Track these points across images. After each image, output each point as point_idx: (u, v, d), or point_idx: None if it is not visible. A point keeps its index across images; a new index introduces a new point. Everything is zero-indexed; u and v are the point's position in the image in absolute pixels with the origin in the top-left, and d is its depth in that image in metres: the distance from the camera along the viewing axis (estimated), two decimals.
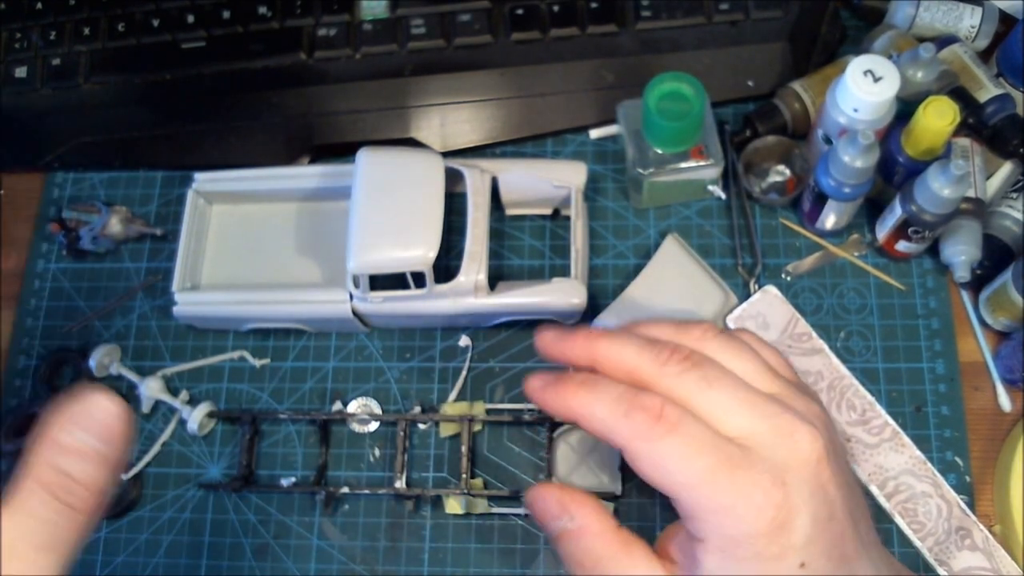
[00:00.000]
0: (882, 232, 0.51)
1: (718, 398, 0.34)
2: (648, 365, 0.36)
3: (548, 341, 0.38)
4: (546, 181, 0.53)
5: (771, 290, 0.52)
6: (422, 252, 0.47)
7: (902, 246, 0.51)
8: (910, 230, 0.49)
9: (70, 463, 0.30)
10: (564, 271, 0.53)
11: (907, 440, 0.49)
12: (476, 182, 0.51)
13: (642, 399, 0.35)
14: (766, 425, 0.34)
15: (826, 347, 0.51)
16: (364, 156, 0.50)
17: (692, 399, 0.34)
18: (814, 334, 0.51)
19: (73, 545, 0.30)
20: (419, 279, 0.48)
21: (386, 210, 0.48)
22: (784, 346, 0.51)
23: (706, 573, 0.34)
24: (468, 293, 0.49)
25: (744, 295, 0.53)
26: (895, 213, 0.49)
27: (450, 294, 0.49)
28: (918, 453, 0.48)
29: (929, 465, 0.48)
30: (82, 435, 0.30)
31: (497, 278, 0.53)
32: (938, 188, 0.45)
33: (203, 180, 0.55)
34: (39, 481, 0.30)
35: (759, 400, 0.35)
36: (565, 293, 0.50)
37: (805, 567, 0.33)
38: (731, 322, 0.52)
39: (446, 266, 0.47)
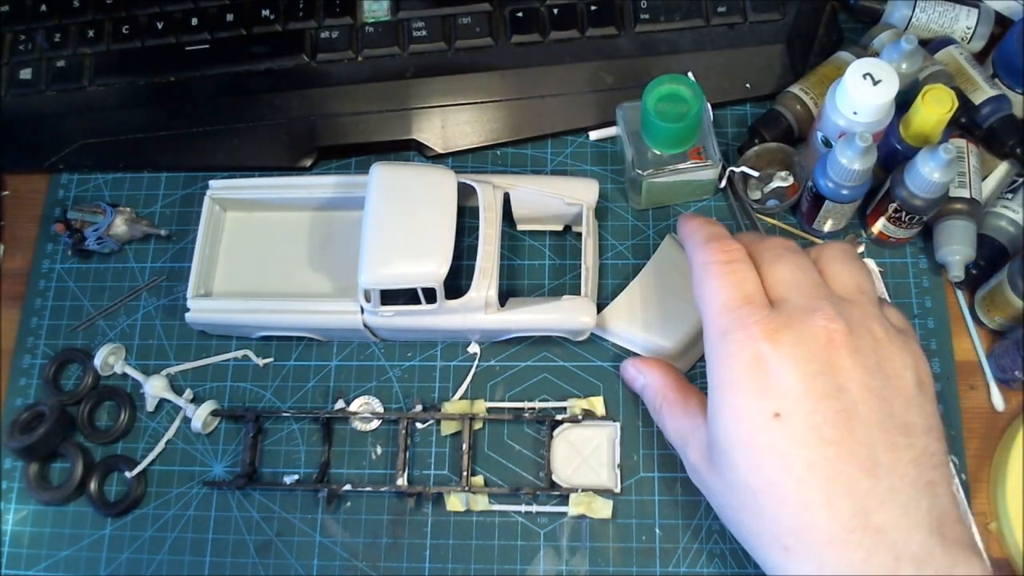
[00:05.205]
0: (868, 211, 0.52)
1: (780, 269, 0.41)
2: (757, 241, 0.43)
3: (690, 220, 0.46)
4: (558, 198, 0.53)
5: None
6: (434, 268, 0.47)
7: (881, 226, 0.51)
8: (903, 214, 0.49)
9: None
10: (574, 287, 0.53)
11: None
12: (488, 198, 0.51)
13: (727, 240, 0.42)
14: (800, 297, 0.39)
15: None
16: (378, 171, 0.49)
17: (764, 264, 0.42)
18: None
19: None
20: (430, 295, 0.48)
21: (398, 225, 0.48)
22: None
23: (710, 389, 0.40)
24: (478, 309, 0.49)
25: None
26: (882, 191, 0.50)
27: (460, 310, 0.49)
28: None
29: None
30: None
31: (507, 294, 0.53)
32: (928, 172, 0.46)
33: (218, 187, 0.55)
34: None
35: (808, 283, 0.40)
36: (575, 312, 0.50)
37: (780, 417, 0.37)
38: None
39: (457, 281, 0.47)
